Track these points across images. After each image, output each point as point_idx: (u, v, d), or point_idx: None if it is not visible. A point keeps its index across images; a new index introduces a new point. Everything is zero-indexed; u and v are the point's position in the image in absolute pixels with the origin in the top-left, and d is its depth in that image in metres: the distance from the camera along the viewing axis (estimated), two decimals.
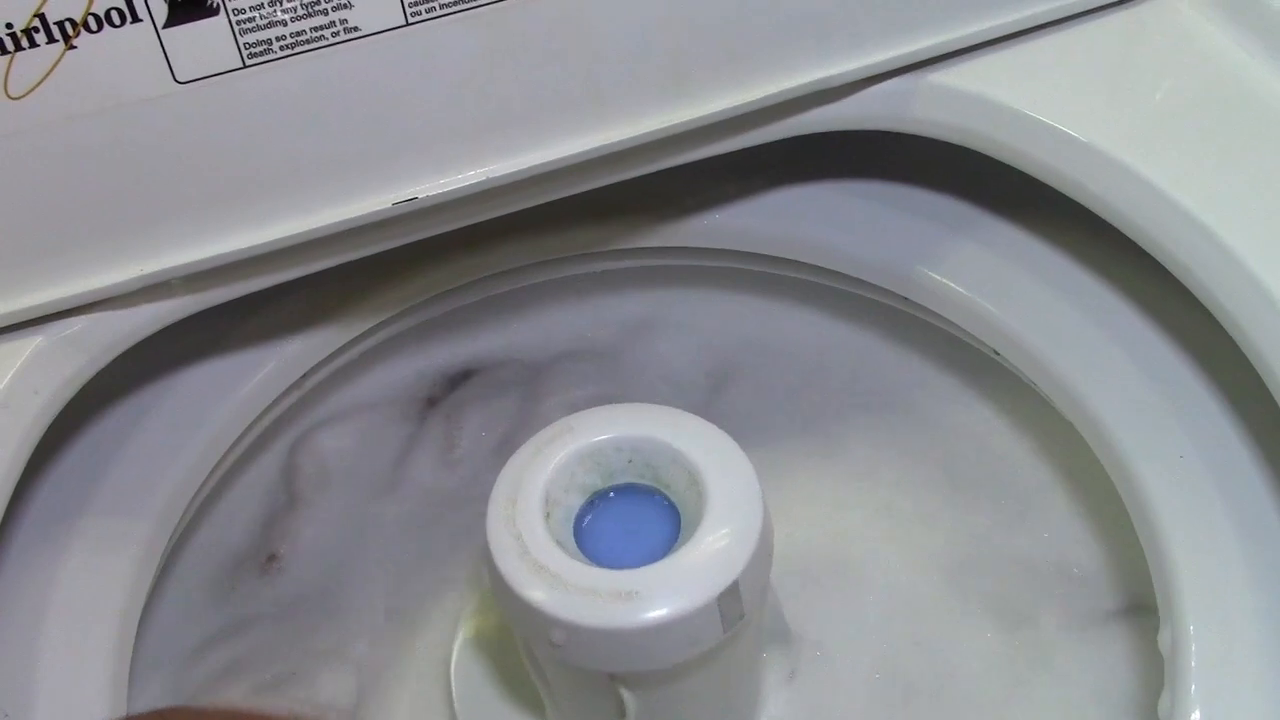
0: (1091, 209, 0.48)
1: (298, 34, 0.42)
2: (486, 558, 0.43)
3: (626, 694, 0.44)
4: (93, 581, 0.49)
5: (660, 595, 0.41)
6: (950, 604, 0.60)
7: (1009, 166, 0.50)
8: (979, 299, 0.56)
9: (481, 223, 0.51)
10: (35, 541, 0.50)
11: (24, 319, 0.45)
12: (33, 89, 0.40)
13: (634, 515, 0.45)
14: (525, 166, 0.46)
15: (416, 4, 0.42)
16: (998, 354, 0.56)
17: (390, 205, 0.46)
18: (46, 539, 0.50)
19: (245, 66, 0.42)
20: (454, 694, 0.55)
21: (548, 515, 0.43)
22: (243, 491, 0.66)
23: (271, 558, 0.64)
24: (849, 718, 0.56)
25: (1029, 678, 0.57)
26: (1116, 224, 0.47)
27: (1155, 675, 0.48)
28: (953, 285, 0.57)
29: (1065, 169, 0.48)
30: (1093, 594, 0.59)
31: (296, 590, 0.63)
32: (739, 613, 0.43)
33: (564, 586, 0.41)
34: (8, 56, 0.39)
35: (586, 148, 0.47)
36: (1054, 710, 0.56)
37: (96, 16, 0.40)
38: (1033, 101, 0.48)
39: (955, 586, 0.60)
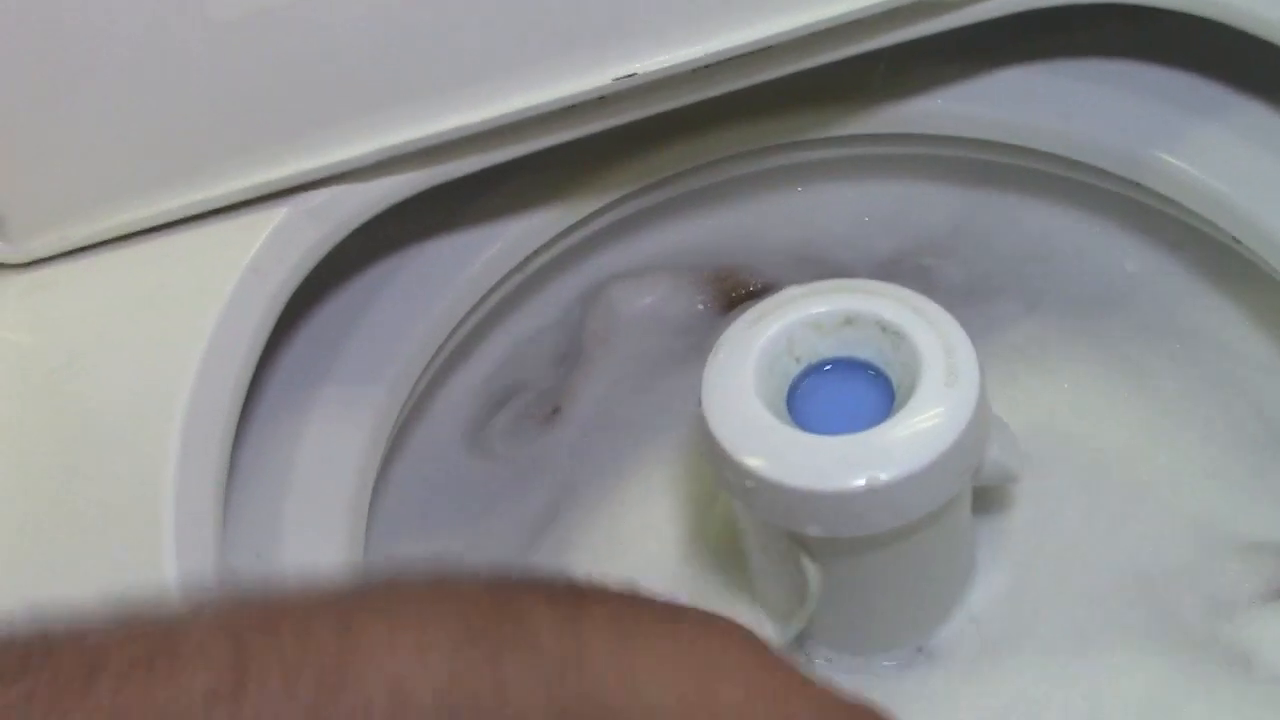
0: None
1: None
2: (698, 418, 0.44)
3: (809, 563, 0.45)
4: (332, 441, 0.52)
5: (863, 462, 0.41)
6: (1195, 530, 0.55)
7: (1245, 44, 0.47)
8: (1216, 183, 0.53)
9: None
10: (279, 405, 0.53)
11: (272, 190, 0.48)
12: None
13: (847, 387, 0.45)
14: (744, 41, 0.46)
15: None
16: (1238, 241, 0.53)
17: (611, 81, 0.47)
18: (288, 403, 0.53)
19: None
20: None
21: (761, 380, 0.44)
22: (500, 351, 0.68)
23: (555, 410, 0.65)
24: (1062, 625, 0.53)
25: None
26: None
27: None
28: (1189, 169, 0.53)
29: None
30: None
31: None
32: (943, 488, 0.43)
33: (772, 449, 0.42)
34: None
35: (806, 21, 0.46)
36: None
37: None
38: None
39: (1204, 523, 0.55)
